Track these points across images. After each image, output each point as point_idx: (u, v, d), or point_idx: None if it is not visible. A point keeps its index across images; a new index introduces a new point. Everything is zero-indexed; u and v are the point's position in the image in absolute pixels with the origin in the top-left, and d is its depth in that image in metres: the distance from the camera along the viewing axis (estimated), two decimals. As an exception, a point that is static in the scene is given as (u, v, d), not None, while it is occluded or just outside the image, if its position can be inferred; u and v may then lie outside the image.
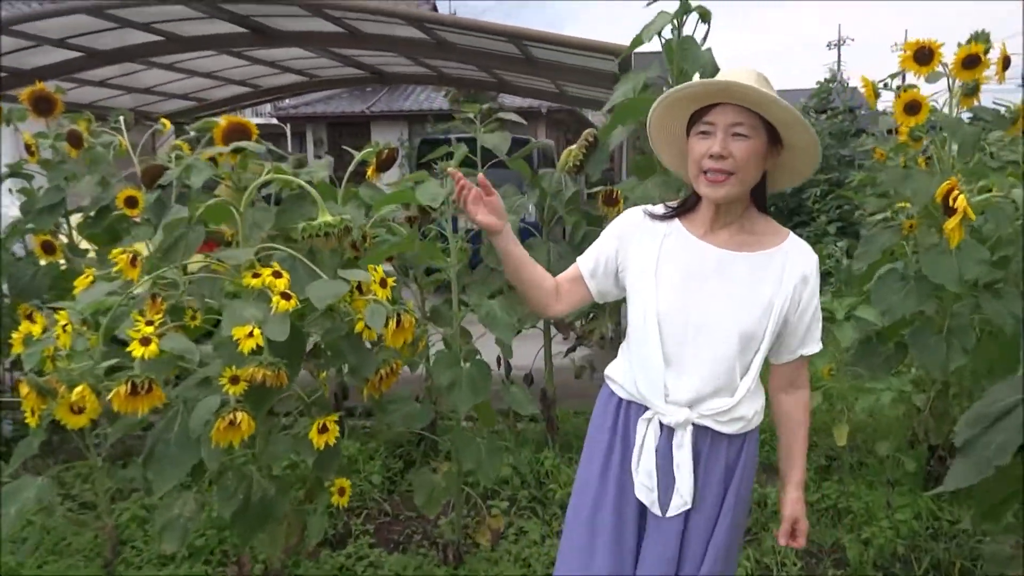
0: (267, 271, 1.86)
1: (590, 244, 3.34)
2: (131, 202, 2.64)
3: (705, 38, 3.18)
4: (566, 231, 3.59)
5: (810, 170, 1.63)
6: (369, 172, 2.78)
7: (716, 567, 1.60)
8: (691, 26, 3.22)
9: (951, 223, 1.73)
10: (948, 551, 2.69)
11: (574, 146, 3.34)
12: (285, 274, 1.87)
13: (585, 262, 1.73)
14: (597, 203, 3.19)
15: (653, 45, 3.14)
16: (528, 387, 3.00)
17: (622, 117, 3.29)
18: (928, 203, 3.05)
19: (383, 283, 1.95)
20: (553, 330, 3.61)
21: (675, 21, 3.19)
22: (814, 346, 1.64)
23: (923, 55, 2.82)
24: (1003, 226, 2.95)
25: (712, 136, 1.50)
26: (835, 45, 28.79)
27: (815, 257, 1.60)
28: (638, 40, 3.19)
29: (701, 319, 1.55)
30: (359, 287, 1.98)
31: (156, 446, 1.95)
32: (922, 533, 2.80)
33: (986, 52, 2.75)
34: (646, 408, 1.61)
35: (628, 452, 1.64)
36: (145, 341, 1.73)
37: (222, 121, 2.29)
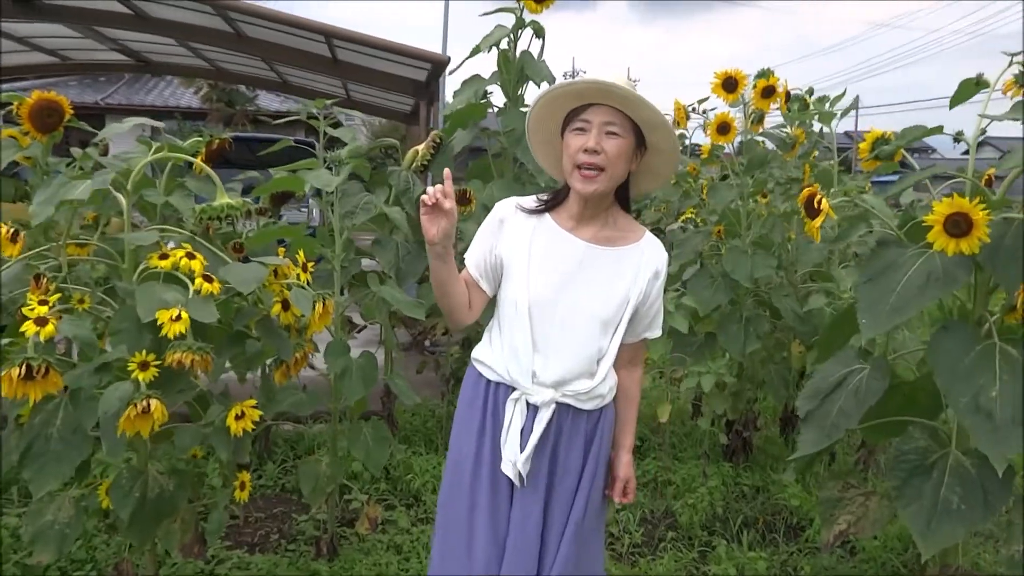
0: (179, 252, 1.78)
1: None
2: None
3: (541, 52, 3.42)
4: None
5: (669, 173, 1.83)
6: (196, 164, 2.66)
7: (580, 531, 1.72)
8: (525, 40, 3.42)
9: (815, 223, 2.07)
10: (752, 508, 3.15)
11: (421, 146, 3.42)
12: (199, 256, 1.79)
13: (473, 266, 1.76)
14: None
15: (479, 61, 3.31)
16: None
17: (461, 120, 3.45)
18: (727, 209, 3.57)
19: (304, 268, 1.93)
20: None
21: (511, 35, 3.39)
22: (656, 331, 1.82)
23: (730, 84, 3.29)
24: (777, 235, 3.55)
25: (587, 133, 1.62)
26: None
27: (666, 255, 1.78)
28: (477, 50, 3.37)
29: (568, 308, 1.67)
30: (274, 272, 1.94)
31: (35, 442, 1.76)
32: (731, 496, 3.24)
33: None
34: (514, 389, 1.70)
35: (498, 430, 1.72)
36: (41, 321, 1.58)
37: (31, 97, 2.05)
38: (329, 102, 3.01)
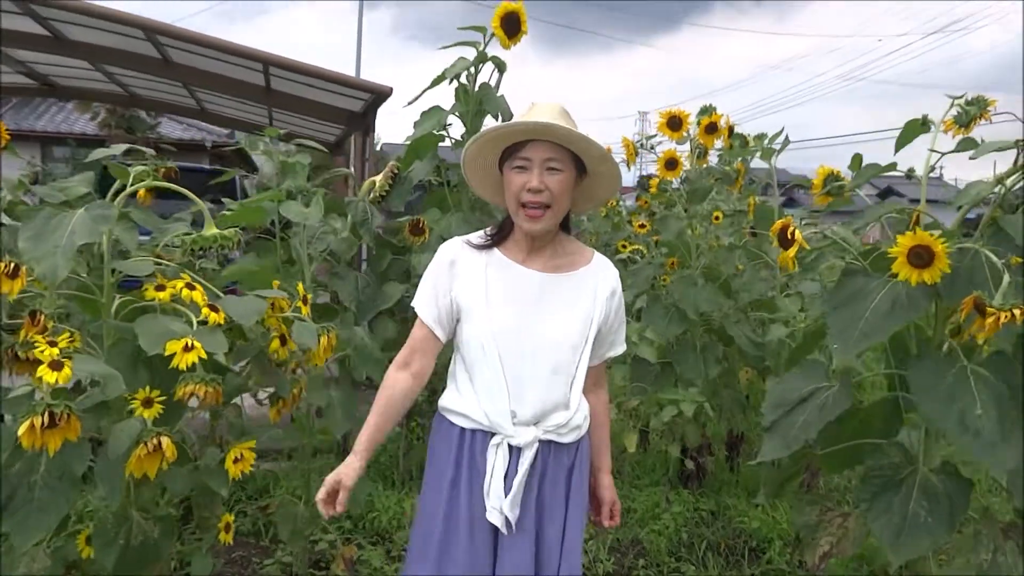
0: (179, 283, 1.72)
1: (395, 272, 3.42)
2: None
3: (498, 85, 3.48)
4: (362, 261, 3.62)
5: (609, 196, 1.86)
6: (140, 193, 2.56)
7: (574, 562, 1.69)
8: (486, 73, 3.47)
9: (789, 253, 2.17)
10: (714, 533, 3.23)
11: (379, 176, 3.40)
12: (199, 287, 1.73)
13: (426, 314, 1.72)
14: (404, 233, 3.25)
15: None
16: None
17: (416, 151, 3.46)
18: (679, 240, 3.69)
19: (305, 300, 1.89)
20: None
21: (472, 68, 3.43)
22: (620, 347, 1.84)
23: (674, 122, 3.43)
24: (728, 267, 3.69)
25: (529, 171, 1.62)
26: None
27: (616, 272, 1.80)
28: (440, 79, 3.40)
29: (534, 340, 1.66)
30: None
31: (17, 493, 1.64)
32: (691, 522, 3.31)
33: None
34: (493, 434, 1.66)
35: (476, 479, 1.66)
36: (56, 365, 1.48)
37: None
38: (271, 135, 2.98)
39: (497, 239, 1.74)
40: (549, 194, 1.61)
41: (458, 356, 1.74)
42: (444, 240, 3.27)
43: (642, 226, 6.02)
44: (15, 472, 1.65)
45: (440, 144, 3.47)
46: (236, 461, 1.77)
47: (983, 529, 2.13)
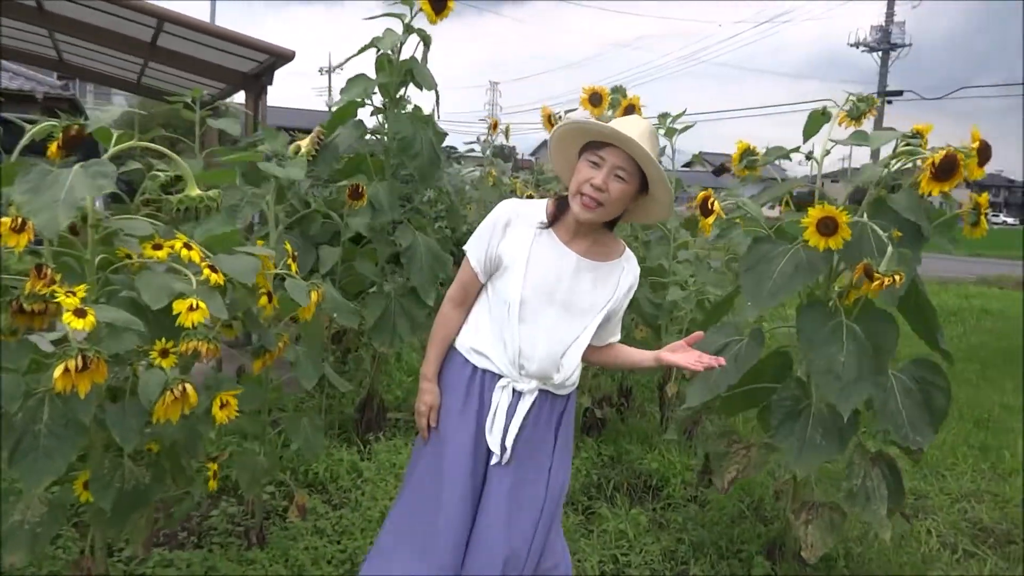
0: (177, 242, 1.79)
1: (327, 235, 3.51)
2: None
3: (424, 59, 3.61)
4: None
5: (659, 219, 2.13)
6: (51, 150, 2.51)
7: (554, 502, 1.96)
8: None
9: (708, 221, 2.50)
10: (619, 475, 3.58)
11: (304, 141, 3.45)
12: (195, 247, 1.81)
13: (475, 259, 1.94)
14: (344, 197, 3.34)
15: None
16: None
17: (341, 118, 3.55)
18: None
19: (294, 258, 2.00)
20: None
21: (399, 40, 3.55)
22: (618, 334, 2.09)
23: (595, 98, 3.70)
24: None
25: (599, 168, 1.80)
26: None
27: (639, 270, 2.03)
28: (369, 47, 3.50)
29: (555, 312, 1.88)
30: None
31: (24, 439, 1.69)
32: (597, 465, 3.65)
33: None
34: (500, 376, 1.91)
35: (483, 414, 1.91)
36: (80, 312, 1.55)
37: None
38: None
39: (553, 220, 1.91)
40: (607, 196, 1.80)
41: (484, 301, 1.96)
42: (374, 207, 3.41)
43: (530, 196, 6.31)
44: (19, 421, 1.69)
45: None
46: (222, 407, 1.88)
47: (856, 459, 2.57)
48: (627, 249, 2.04)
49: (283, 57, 4.84)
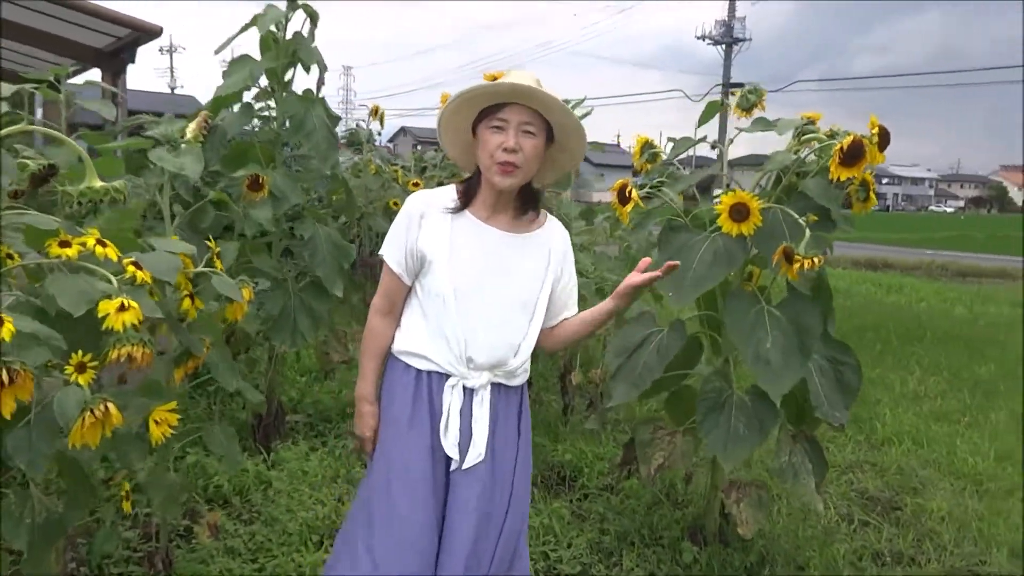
0: (88, 239, 1.58)
1: (218, 229, 3.27)
2: None
3: (311, 35, 3.41)
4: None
5: (572, 167, 2.02)
6: None
7: (521, 501, 1.90)
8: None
9: (626, 209, 2.47)
10: (533, 466, 3.55)
11: (191, 126, 3.17)
12: (110, 243, 1.60)
13: (394, 262, 1.83)
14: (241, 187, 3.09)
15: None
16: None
17: (224, 102, 3.32)
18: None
19: (218, 255, 1.81)
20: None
21: (283, 18, 3.35)
22: (573, 309, 1.96)
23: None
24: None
25: (505, 131, 1.73)
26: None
27: (567, 233, 1.97)
28: (251, 25, 3.27)
29: (492, 294, 1.80)
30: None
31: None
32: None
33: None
34: (448, 376, 1.80)
35: (435, 418, 1.79)
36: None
37: None
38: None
39: (465, 200, 1.82)
40: (522, 155, 1.73)
41: (415, 302, 1.84)
42: (275, 197, 3.19)
43: (415, 184, 6.17)
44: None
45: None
46: (158, 424, 1.68)
47: (781, 437, 2.65)
48: (549, 215, 1.96)
49: (149, 32, 4.45)
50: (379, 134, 7.35)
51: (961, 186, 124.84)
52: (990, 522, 3.30)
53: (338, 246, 3.39)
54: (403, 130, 51.08)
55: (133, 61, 4.79)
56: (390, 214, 6.18)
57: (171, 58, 29.91)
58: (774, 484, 3.19)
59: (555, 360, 4.53)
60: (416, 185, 6.12)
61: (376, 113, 5.99)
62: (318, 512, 2.81)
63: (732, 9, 36.31)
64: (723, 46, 35.69)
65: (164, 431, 1.70)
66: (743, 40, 36.15)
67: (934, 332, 7.76)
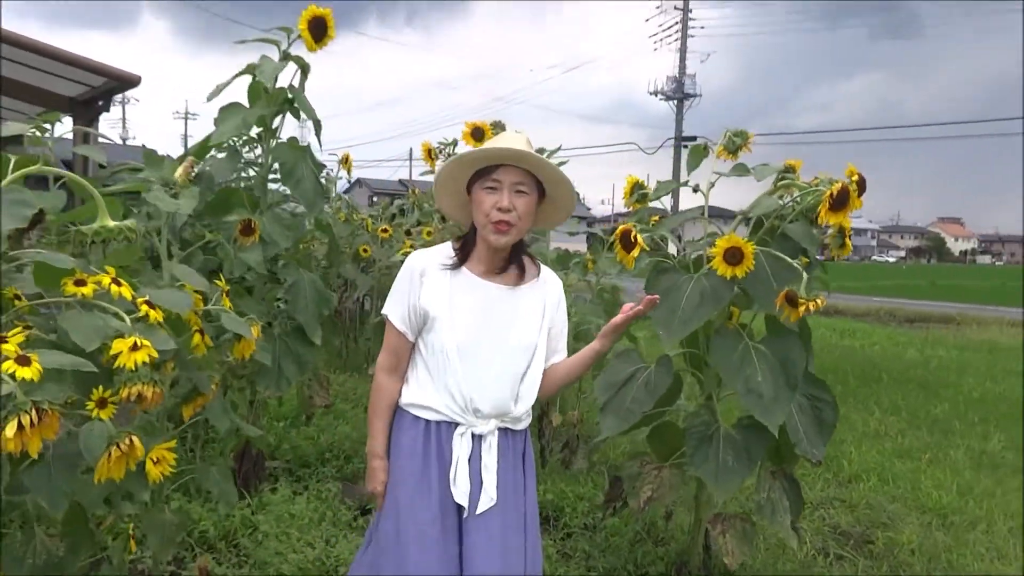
0: (104, 277, 1.61)
1: (206, 272, 3.30)
2: None
3: (302, 87, 3.49)
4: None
5: (563, 219, 2.11)
6: None
7: (536, 544, 1.94)
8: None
9: (632, 254, 2.56)
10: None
11: (178, 171, 3.20)
12: (124, 281, 1.63)
13: (398, 319, 1.91)
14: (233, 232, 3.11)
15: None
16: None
17: (209, 149, 3.38)
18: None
19: (226, 293, 1.84)
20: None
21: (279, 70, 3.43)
22: (563, 353, 2.03)
23: (477, 133, 3.72)
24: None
25: (498, 192, 1.82)
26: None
27: (561, 284, 2.06)
28: (244, 74, 3.34)
29: (493, 347, 1.87)
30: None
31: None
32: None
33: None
34: (457, 424, 1.85)
35: (444, 467, 1.84)
36: (23, 360, 1.33)
37: None
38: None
39: (462, 257, 1.90)
40: (516, 214, 1.82)
41: (419, 358, 1.91)
42: (264, 241, 3.23)
43: (384, 231, 6.23)
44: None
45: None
46: (156, 463, 1.68)
47: (762, 474, 2.74)
48: (544, 267, 2.05)
49: (127, 82, 4.47)
50: (349, 182, 7.44)
51: (901, 237, 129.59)
52: (958, 553, 3.42)
53: (320, 293, 3.41)
54: (359, 181, 51.13)
55: (108, 110, 4.81)
56: (359, 261, 6.23)
57: (123, 109, 29.60)
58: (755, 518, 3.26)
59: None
60: (386, 232, 6.18)
61: (346, 162, 6.07)
62: (308, 555, 2.79)
63: (683, 67, 37.53)
64: (675, 101, 36.77)
65: (164, 470, 1.70)
66: (694, 96, 37.32)
67: (889, 374, 8.00)
